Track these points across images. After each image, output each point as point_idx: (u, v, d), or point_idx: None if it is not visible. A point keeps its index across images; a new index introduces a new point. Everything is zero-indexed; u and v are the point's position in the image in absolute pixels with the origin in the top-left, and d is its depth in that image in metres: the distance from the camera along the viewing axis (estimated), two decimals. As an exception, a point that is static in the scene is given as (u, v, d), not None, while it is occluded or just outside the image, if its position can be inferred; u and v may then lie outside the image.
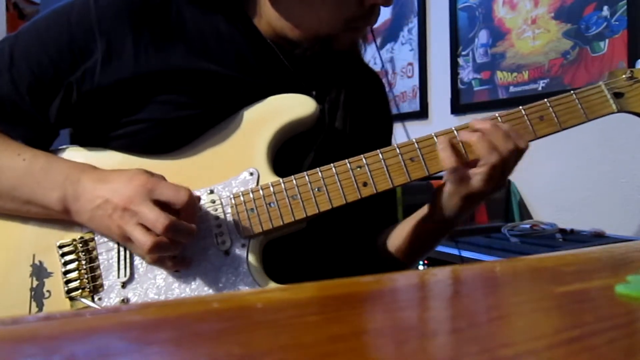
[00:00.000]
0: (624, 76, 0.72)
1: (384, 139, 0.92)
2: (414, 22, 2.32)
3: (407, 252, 0.82)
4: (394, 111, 0.95)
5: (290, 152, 0.76)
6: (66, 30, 0.72)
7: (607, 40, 1.58)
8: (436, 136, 0.71)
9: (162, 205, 0.63)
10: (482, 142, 0.67)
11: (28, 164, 0.69)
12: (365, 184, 0.69)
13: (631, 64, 1.50)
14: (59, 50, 0.71)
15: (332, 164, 0.70)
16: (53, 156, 0.72)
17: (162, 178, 0.67)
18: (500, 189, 0.71)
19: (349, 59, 0.86)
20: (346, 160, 0.70)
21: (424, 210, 0.78)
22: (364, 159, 0.70)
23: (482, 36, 1.98)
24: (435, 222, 0.77)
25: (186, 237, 0.64)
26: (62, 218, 0.69)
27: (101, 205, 0.64)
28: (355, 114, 0.85)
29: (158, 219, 0.61)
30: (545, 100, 0.72)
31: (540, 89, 1.77)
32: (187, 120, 0.73)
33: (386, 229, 0.87)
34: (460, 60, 2.08)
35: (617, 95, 0.72)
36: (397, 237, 0.83)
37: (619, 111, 0.72)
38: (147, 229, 0.62)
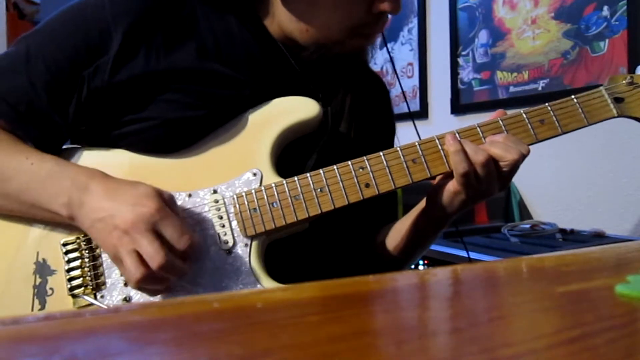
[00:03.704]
0: (624, 81, 0.73)
1: (387, 144, 0.92)
2: (414, 22, 2.32)
3: (405, 250, 0.83)
4: (402, 110, 0.95)
5: (293, 153, 0.76)
6: (82, 27, 0.72)
7: (607, 40, 1.58)
8: (438, 138, 0.71)
9: (162, 238, 0.62)
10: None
11: (35, 168, 0.69)
12: (367, 185, 0.70)
13: (631, 64, 1.50)
14: (75, 47, 0.72)
15: (334, 165, 0.70)
16: (61, 160, 0.71)
17: (173, 203, 0.66)
18: (503, 189, 0.72)
19: (356, 64, 0.86)
20: (349, 162, 0.70)
21: (420, 206, 0.78)
22: (366, 161, 0.70)
23: (482, 36, 1.98)
24: (431, 219, 0.77)
25: (176, 276, 0.64)
26: (68, 223, 0.69)
27: (103, 219, 0.63)
28: (360, 118, 0.85)
29: (155, 255, 0.60)
30: (547, 104, 0.72)
31: (540, 89, 1.77)
32: (193, 121, 0.73)
33: (385, 226, 0.87)
34: (460, 60, 2.08)
35: (618, 100, 0.72)
36: (395, 235, 0.83)
37: (619, 116, 0.72)
38: (141, 258, 0.61)
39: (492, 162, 0.68)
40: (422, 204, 0.78)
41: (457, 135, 0.70)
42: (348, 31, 0.75)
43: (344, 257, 0.85)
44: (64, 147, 0.77)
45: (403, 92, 0.89)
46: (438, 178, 0.73)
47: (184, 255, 0.63)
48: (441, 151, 0.70)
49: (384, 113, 0.94)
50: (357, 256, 0.87)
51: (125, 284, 0.69)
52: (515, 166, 0.68)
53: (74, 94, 0.72)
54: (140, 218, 0.61)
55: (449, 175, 0.71)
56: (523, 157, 0.68)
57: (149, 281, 0.62)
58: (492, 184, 0.70)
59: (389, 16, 0.76)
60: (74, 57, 0.72)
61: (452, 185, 0.71)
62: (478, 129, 0.71)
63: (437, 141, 0.71)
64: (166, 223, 0.62)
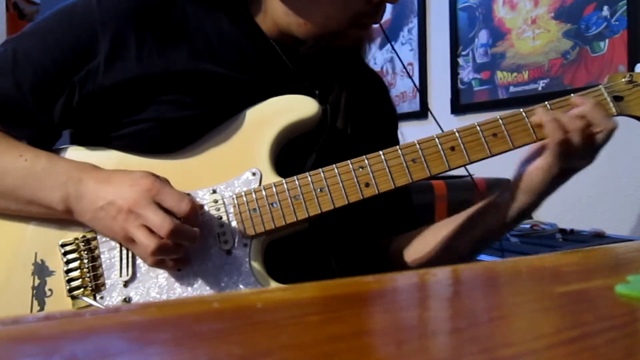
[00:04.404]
0: (623, 80, 0.73)
1: (388, 140, 0.92)
2: (414, 22, 2.32)
3: (447, 255, 0.80)
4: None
5: (292, 152, 0.76)
6: (69, 31, 0.72)
7: (607, 41, 1.58)
8: (438, 137, 0.71)
9: (165, 210, 0.64)
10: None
11: (30, 164, 0.69)
12: (367, 185, 0.70)
13: (631, 64, 1.50)
14: (62, 51, 0.71)
15: (334, 165, 0.70)
16: (55, 156, 0.72)
17: (167, 182, 0.67)
18: (591, 162, 0.72)
19: (352, 59, 0.86)
20: (348, 161, 0.70)
21: (475, 209, 0.77)
22: (366, 160, 0.70)
23: (482, 36, 1.98)
24: (521, 205, 0.73)
25: (190, 241, 0.65)
26: (65, 218, 0.69)
27: (104, 207, 0.65)
28: (358, 114, 0.85)
29: (163, 223, 0.62)
30: (546, 102, 0.72)
31: (540, 89, 1.77)
32: (190, 121, 0.73)
33: (402, 235, 0.86)
34: (460, 60, 2.08)
35: (617, 99, 0.72)
36: (427, 244, 0.82)
37: (618, 114, 0.72)
38: (151, 231, 0.62)
39: (588, 127, 0.68)
40: (482, 204, 0.77)
41: (548, 106, 0.70)
42: (347, 22, 0.74)
43: (347, 258, 0.85)
44: (60, 147, 0.77)
45: (415, 86, 0.89)
46: (522, 160, 0.73)
47: (189, 219, 0.65)
48: (441, 151, 0.70)
49: (382, 108, 0.93)
50: (364, 262, 0.87)
51: (125, 285, 0.69)
52: (610, 134, 0.68)
53: (59, 98, 0.72)
54: (140, 195, 0.63)
55: (534, 156, 0.71)
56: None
57: (164, 251, 0.63)
58: (585, 152, 0.69)
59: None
60: (62, 61, 0.71)
61: (543, 161, 0.70)
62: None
63: (437, 140, 0.71)
64: (164, 193, 0.64)
